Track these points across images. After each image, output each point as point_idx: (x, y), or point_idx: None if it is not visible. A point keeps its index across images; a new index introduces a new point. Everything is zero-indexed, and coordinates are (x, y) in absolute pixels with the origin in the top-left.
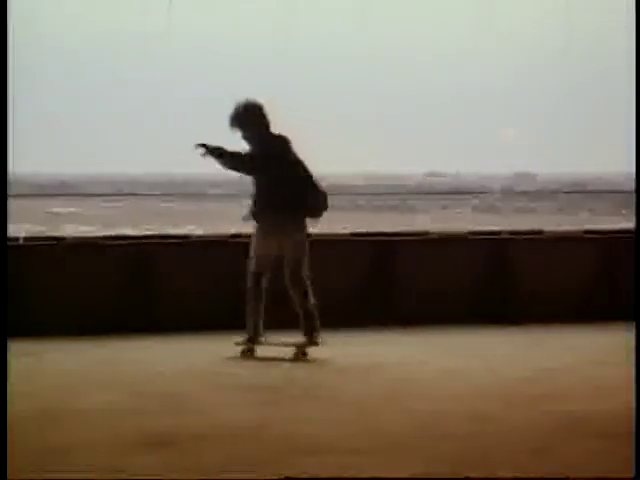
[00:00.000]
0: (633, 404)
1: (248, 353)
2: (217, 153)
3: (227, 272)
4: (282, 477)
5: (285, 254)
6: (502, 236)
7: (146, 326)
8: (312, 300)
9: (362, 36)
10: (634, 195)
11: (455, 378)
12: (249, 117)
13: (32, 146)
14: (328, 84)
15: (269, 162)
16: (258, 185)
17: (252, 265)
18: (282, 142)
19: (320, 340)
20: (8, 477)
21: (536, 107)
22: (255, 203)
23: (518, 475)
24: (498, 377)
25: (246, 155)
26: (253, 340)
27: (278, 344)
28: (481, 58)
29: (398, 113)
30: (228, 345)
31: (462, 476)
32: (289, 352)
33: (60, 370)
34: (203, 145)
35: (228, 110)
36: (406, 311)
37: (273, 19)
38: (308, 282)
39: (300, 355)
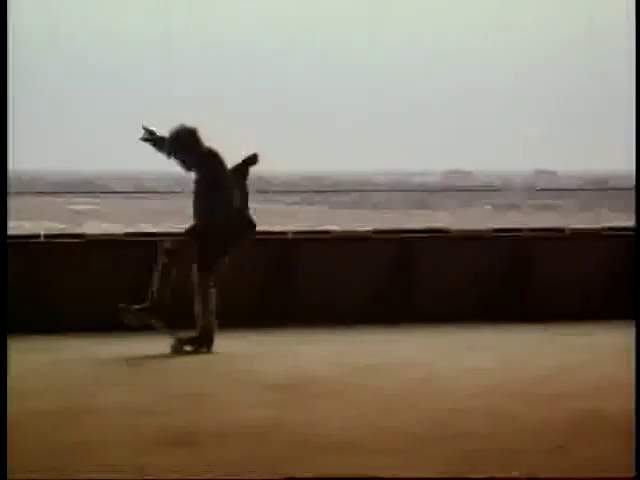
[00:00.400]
0: (633, 404)
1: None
2: (159, 144)
3: (251, 269)
4: (282, 477)
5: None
6: (523, 234)
7: (167, 323)
8: (212, 306)
9: (381, 36)
10: (634, 193)
11: (474, 376)
12: (186, 143)
13: (54, 143)
14: (348, 83)
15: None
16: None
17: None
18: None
19: (198, 347)
20: (30, 475)
21: (555, 104)
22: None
23: (532, 475)
24: (518, 375)
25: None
26: (147, 309)
27: (165, 331)
28: (501, 55)
29: (418, 111)
30: (247, 343)
31: (484, 475)
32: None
33: (79, 367)
34: (149, 132)
35: (247, 109)
36: (425, 309)
37: (290, 19)
38: (211, 290)
39: (176, 349)
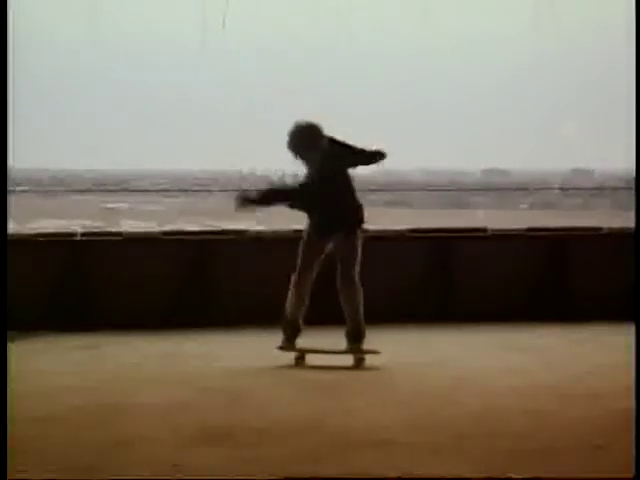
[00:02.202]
0: (633, 404)
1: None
2: (255, 200)
3: (285, 268)
4: (281, 477)
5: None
6: (560, 233)
7: (205, 321)
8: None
9: (417, 36)
10: (634, 194)
11: (512, 375)
12: (303, 141)
13: (90, 142)
14: (385, 82)
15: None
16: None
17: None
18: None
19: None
20: (69, 470)
21: (593, 102)
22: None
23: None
24: (555, 375)
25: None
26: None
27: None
28: (537, 52)
29: (454, 110)
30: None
31: (520, 474)
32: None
33: (119, 364)
34: (244, 201)
35: (279, 108)
36: (462, 308)
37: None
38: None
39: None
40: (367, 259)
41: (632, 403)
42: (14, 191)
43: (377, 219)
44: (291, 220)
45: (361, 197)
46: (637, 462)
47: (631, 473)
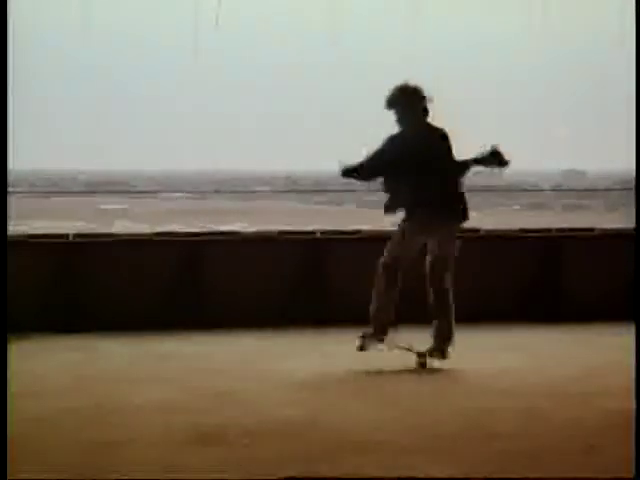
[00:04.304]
0: (629, 405)
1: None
2: (352, 174)
3: (279, 268)
4: (275, 478)
5: (430, 250)
6: (552, 234)
7: (197, 322)
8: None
9: (413, 36)
10: (634, 194)
11: (505, 376)
12: (403, 100)
13: (83, 143)
14: (379, 83)
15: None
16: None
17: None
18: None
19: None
20: (61, 472)
21: (586, 104)
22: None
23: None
24: (548, 375)
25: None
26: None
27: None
28: (530, 52)
29: (447, 111)
30: (277, 342)
31: (514, 475)
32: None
33: (112, 365)
34: (345, 174)
35: (276, 109)
36: (455, 308)
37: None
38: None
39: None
40: (360, 259)
41: (626, 403)
42: (8, 192)
43: (370, 220)
44: (282, 221)
45: (359, 199)
46: (637, 462)
47: (628, 473)
